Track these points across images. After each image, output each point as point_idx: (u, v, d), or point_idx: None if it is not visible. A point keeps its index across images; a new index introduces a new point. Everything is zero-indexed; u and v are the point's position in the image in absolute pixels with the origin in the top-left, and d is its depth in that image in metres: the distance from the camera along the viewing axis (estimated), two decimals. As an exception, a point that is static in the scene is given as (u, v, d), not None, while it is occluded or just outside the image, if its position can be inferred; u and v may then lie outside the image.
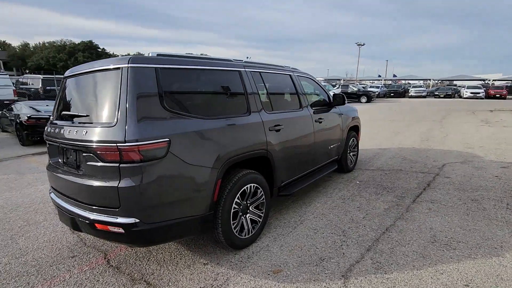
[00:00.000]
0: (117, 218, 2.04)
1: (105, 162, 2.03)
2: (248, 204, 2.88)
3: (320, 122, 4.08)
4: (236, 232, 2.71)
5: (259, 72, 3.24)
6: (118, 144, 1.95)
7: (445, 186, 4.39)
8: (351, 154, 5.34)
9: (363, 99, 26.29)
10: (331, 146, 4.47)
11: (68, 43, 45.80)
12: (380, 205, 3.80)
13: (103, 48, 47.26)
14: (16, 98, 12.51)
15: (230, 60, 3.00)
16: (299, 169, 3.69)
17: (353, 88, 27.84)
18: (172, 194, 2.17)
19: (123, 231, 2.04)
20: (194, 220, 2.34)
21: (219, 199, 2.53)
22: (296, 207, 3.81)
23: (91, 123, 2.21)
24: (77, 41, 46.75)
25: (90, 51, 44.44)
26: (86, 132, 2.13)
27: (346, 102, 4.69)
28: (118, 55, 61.97)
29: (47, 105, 9.36)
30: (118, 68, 2.11)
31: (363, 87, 31.21)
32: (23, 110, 8.82)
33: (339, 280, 2.35)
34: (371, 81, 61.73)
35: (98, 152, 2.05)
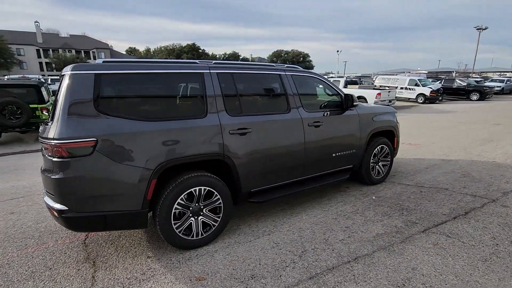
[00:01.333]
0: (55, 204, 2.40)
1: (48, 156, 2.41)
2: (202, 207, 2.89)
3: (317, 126, 3.65)
4: (180, 232, 2.76)
5: (231, 73, 3.15)
6: (51, 141, 2.29)
7: (489, 218, 3.31)
8: (380, 164, 4.58)
9: (474, 96, 21.59)
10: (338, 154, 3.94)
11: (177, 46, 53.33)
12: (376, 229, 3.18)
13: (203, 49, 53.05)
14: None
15: (195, 63, 3.03)
16: (279, 176, 3.43)
17: (461, 82, 23.09)
18: (100, 188, 2.40)
19: (57, 215, 2.39)
20: (126, 214, 2.52)
21: (157, 198, 2.64)
22: (278, 216, 3.57)
23: (52, 121, 2.63)
24: (184, 44, 53.94)
25: (193, 52, 50.58)
26: (42, 130, 2.57)
27: (356, 102, 4.03)
28: (216, 55, 68.55)
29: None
30: (65, 74, 2.45)
31: (476, 81, 25.42)
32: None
33: (249, 303, 2.15)
34: (500, 73, 49.86)
35: (45, 147, 2.45)
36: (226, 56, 70.78)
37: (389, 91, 16.13)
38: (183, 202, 2.74)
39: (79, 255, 2.86)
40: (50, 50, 53.30)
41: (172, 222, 2.70)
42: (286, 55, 78.27)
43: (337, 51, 55.84)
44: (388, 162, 4.69)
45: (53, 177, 2.32)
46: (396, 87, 20.86)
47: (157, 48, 58.31)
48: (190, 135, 2.75)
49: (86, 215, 2.40)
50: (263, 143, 3.20)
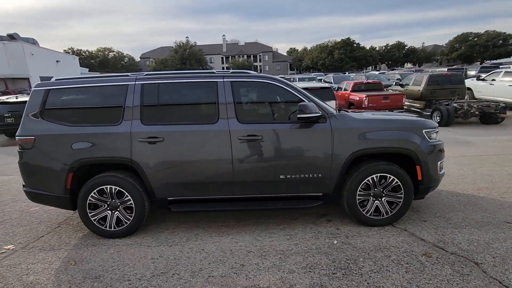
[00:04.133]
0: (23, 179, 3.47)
1: None
2: (118, 203, 3.27)
3: (253, 141, 3.12)
4: (94, 220, 3.26)
5: (157, 83, 3.25)
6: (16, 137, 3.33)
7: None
8: (384, 200, 3.27)
9: None
10: (290, 176, 3.18)
11: (331, 43, 52.93)
12: (264, 279, 2.47)
13: (357, 44, 49.92)
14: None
15: (126, 75, 3.35)
16: (201, 190, 3.24)
17: None
18: (37, 173, 3.25)
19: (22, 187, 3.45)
20: (54, 196, 3.27)
21: (76, 188, 3.25)
22: (207, 232, 3.38)
23: None
24: (338, 39, 52.78)
25: (346, 48, 48.67)
26: None
27: (310, 114, 2.98)
28: (375, 48, 62.62)
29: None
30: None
31: None
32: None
33: (60, 297, 2.37)
34: None
35: None
36: (388, 47, 63.36)
37: None
38: (96, 196, 3.21)
39: (59, 219, 3.92)
40: (230, 57, 66.50)
41: (87, 210, 3.23)
42: (475, 39, 61.11)
43: None
44: (400, 199, 3.26)
45: (18, 161, 3.37)
46: None
47: (312, 46, 60.37)
48: (102, 139, 3.16)
49: (33, 191, 3.33)
50: (176, 153, 3.15)
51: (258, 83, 3.35)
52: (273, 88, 3.33)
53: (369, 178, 3.20)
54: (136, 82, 3.26)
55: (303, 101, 3.22)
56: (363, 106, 11.08)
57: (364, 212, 3.28)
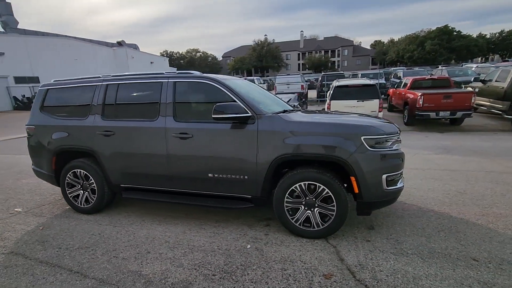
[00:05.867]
0: (32, 160, 4.43)
1: None
2: (87, 185, 3.90)
3: (184, 138, 3.26)
4: (71, 197, 3.97)
5: (118, 84, 3.69)
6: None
7: None
8: (315, 211, 3.00)
9: None
10: (218, 176, 3.20)
11: (424, 33, 46.29)
12: (147, 268, 2.62)
13: (458, 31, 42.34)
14: (302, 91, 17.04)
15: (98, 77, 3.89)
16: (146, 181, 3.57)
17: None
18: (37, 155, 4.12)
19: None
20: (46, 174, 4.09)
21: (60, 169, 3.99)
22: (153, 219, 3.69)
23: None
24: (433, 28, 45.76)
25: (441, 37, 41.90)
26: None
27: (225, 115, 2.89)
28: (485, 36, 51.80)
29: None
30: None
31: None
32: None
33: (10, 251, 3.05)
34: None
35: None
36: (503, 34, 51.61)
37: None
38: (71, 177, 3.90)
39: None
40: (307, 53, 65.30)
41: (66, 188, 3.96)
42: None
43: None
44: (332, 212, 2.93)
45: (27, 145, 4.32)
46: None
47: (401, 37, 53.84)
48: (74, 131, 3.80)
49: (35, 168, 4.24)
50: (124, 145, 3.54)
51: (196, 83, 3.44)
52: (209, 88, 3.37)
53: (297, 185, 2.97)
54: (102, 83, 3.79)
55: (234, 101, 3.18)
56: (418, 106, 9.59)
57: (293, 221, 3.06)
